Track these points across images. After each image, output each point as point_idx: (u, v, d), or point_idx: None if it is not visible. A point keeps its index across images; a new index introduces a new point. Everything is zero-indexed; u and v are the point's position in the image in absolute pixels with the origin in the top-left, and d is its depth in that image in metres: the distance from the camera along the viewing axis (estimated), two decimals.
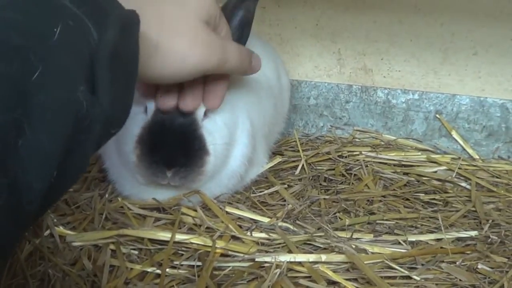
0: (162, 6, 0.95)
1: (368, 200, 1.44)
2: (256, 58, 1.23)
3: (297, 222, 1.30)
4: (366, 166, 1.64)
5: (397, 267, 1.11)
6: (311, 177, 1.57)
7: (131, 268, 1.10)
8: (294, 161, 1.66)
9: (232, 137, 1.34)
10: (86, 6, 0.69)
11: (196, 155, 1.23)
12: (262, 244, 1.19)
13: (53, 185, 0.61)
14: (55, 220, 1.23)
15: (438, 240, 1.25)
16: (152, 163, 1.22)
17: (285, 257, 1.12)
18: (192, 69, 1.00)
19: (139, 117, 1.25)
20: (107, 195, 1.36)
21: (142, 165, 1.23)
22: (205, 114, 1.26)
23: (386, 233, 1.28)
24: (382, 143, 1.83)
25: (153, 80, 1.00)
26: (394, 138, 1.86)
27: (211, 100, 1.21)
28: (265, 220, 1.29)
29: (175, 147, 1.21)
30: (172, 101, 1.19)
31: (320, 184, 1.53)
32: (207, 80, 1.19)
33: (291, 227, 1.26)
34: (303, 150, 1.72)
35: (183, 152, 1.23)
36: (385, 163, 1.68)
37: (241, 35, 1.27)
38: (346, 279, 1.08)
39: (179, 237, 1.17)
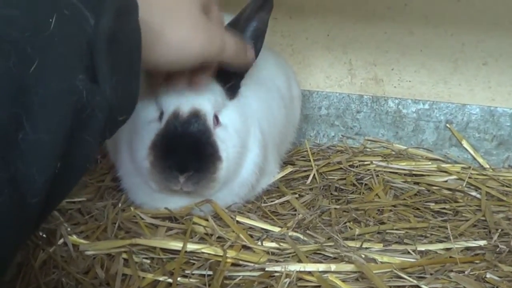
0: None
1: (378, 210, 1.45)
2: (250, 50, 1.25)
3: (308, 231, 1.31)
4: (377, 175, 1.65)
5: (406, 276, 1.12)
6: (322, 187, 1.57)
7: (143, 277, 1.11)
8: (305, 171, 1.67)
9: (244, 146, 1.35)
10: None
11: (209, 160, 1.25)
12: (273, 253, 1.20)
13: (59, 177, 0.62)
14: (68, 229, 1.25)
15: (447, 249, 1.26)
16: (165, 169, 1.23)
17: (294, 267, 1.13)
18: (195, 55, 1.02)
19: (152, 125, 1.27)
20: (120, 205, 1.38)
21: (155, 171, 1.25)
22: (217, 121, 1.28)
23: (396, 242, 1.28)
24: (393, 152, 1.84)
25: (157, 67, 1.01)
26: (405, 147, 1.87)
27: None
28: (276, 229, 1.30)
29: (188, 153, 1.23)
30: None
31: (331, 194, 1.54)
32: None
33: (301, 236, 1.27)
34: (314, 160, 1.73)
35: (196, 158, 1.24)
36: (396, 173, 1.69)
37: (254, 46, 1.29)
38: None
39: (190, 246, 1.18)
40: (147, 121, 1.28)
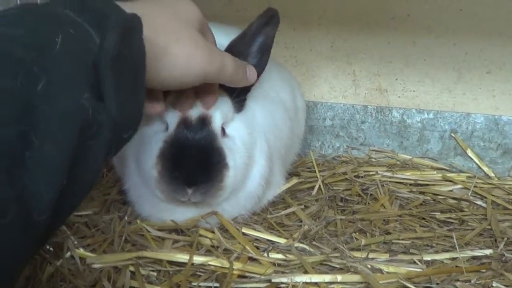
0: (162, 15, 0.98)
1: (384, 220, 1.45)
2: (251, 69, 1.24)
3: (314, 242, 1.31)
4: (382, 185, 1.65)
5: (412, 286, 1.12)
6: (327, 198, 1.58)
7: None
8: (310, 182, 1.68)
9: (250, 158, 1.35)
10: (87, 13, 0.71)
11: (216, 169, 1.25)
12: (279, 265, 1.20)
13: (66, 194, 0.62)
14: (75, 242, 1.25)
15: (453, 259, 1.25)
16: (173, 179, 1.23)
17: (301, 278, 1.13)
18: (196, 72, 1.02)
19: (159, 135, 1.27)
20: (126, 218, 1.38)
21: (163, 181, 1.25)
22: (224, 133, 1.28)
23: (402, 252, 1.28)
24: (398, 162, 1.84)
25: (161, 84, 1.00)
26: (410, 157, 1.87)
27: (206, 101, 1.25)
28: (282, 241, 1.30)
29: (196, 164, 1.23)
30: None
31: (337, 205, 1.54)
32: (199, 93, 1.24)
33: (307, 247, 1.27)
34: (319, 171, 1.73)
35: (204, 168, 1.24)
36: (401, 183, 1.69)
37: (260, 60, 1.29)
38: None
39: (197, 259, 1.19)
40: (154, 132, 1.28)
